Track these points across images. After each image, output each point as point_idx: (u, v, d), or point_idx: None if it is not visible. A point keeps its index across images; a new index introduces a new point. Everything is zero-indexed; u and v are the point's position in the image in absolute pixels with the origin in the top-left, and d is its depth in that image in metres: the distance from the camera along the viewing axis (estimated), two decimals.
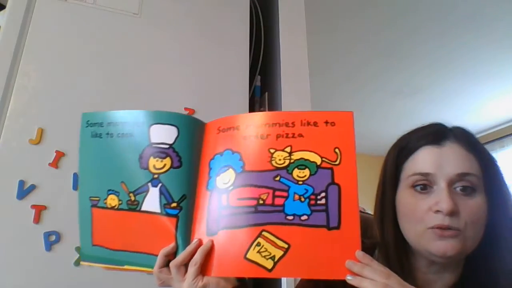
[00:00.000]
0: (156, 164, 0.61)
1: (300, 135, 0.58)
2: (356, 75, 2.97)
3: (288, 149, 0.58)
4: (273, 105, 1.22)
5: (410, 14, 2.29)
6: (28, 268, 0.86)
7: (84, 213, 0.64)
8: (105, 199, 0.62)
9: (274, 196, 0.56)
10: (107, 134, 0.64)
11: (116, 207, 0.62)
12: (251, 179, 0.57)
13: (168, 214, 0.59)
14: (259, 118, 0.61)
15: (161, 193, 0.60)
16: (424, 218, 0.60)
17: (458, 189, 0.59)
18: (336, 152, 0.56)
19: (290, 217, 0.54)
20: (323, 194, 0.55)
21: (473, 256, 0.61)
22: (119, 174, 0.62)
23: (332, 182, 0.55)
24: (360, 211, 0.77)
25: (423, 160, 0.63)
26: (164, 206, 0.60)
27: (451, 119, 0.67)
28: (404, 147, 0.66)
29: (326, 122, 0.58)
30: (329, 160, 0.56)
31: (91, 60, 1.03)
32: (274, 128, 0.59)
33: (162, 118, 0.63)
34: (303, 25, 1.30)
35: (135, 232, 0.61)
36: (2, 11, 1.04)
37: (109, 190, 0.62)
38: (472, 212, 0.58)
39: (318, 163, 0.56)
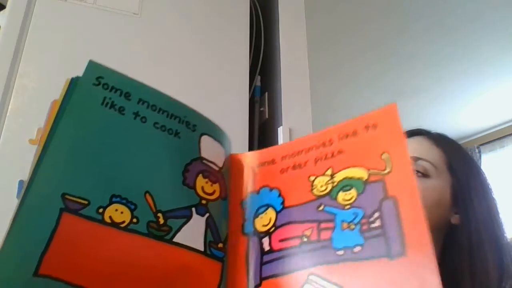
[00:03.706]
0: (205, 186, 0.44)
1: (340, 152, 0.49)
2: (357, 77, 2.97)
3: (329, 172, 0.49)
4: (273, 105, 1.22)
5: (411, 17, 2.29)
6: None
7: (36, 215, 0.36)
8: (103, 207, 0.38)
9: (319, 230, 0.46)
10: (136, 114, 0.42)
11: (124, 225, 0.38)
12: (292, 215, 0.48)
13: (213, 256, 0.42)
14: (294, 146, 0.53)
15: (208, 226, 0.43)
16: None
17: None
18: (383, 159, 0.46)
19: (341, 252, 0.43)
20: (376, 215, 0.43)
21: (443, 256, 0.62)
22: (145, 180, 0.41)
23: (386, 197, 0.44)
24: None
25: None
26: (209, 244, 0.42)
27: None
28: None
29: (367, 127, 0.48)
30: (377, 170, 0.46)
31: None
32: (311, 153, 0.50)
33: (215, 131, 0.47)
34: (303, 25, 1.30)
35: (150, 273, 0.39)
36: (2, 11, 1.04)
37: (115, 197, 0.38)
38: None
39: (365, 177, 0.46)
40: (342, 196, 0.46)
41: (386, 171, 0.44)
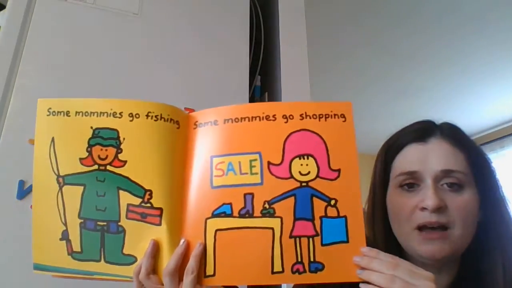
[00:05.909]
0: None
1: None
2: (358, 76, 2.96)
3: None
4: None
5: (412, 15, 2.28)
6: (30, 267, 0.86)
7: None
8: None
9: None
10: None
11: None
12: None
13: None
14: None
15: None
16: (411, 216, 0.59)
17: (445, 185, 0.59)
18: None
19: None
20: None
21: (467, 256, 0.61)
22: None
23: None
24: None
25: (409, 158, 0.62)
26: None
27: (452, 119, 0.66)
28: (391, 146, 0.66)
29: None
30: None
31: (91, 60, 1.03)
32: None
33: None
34: (303, 25, 1.30)
35: None
36: (2, 11, 1.04)
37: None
38: (460, 208, 0.57)
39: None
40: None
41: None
